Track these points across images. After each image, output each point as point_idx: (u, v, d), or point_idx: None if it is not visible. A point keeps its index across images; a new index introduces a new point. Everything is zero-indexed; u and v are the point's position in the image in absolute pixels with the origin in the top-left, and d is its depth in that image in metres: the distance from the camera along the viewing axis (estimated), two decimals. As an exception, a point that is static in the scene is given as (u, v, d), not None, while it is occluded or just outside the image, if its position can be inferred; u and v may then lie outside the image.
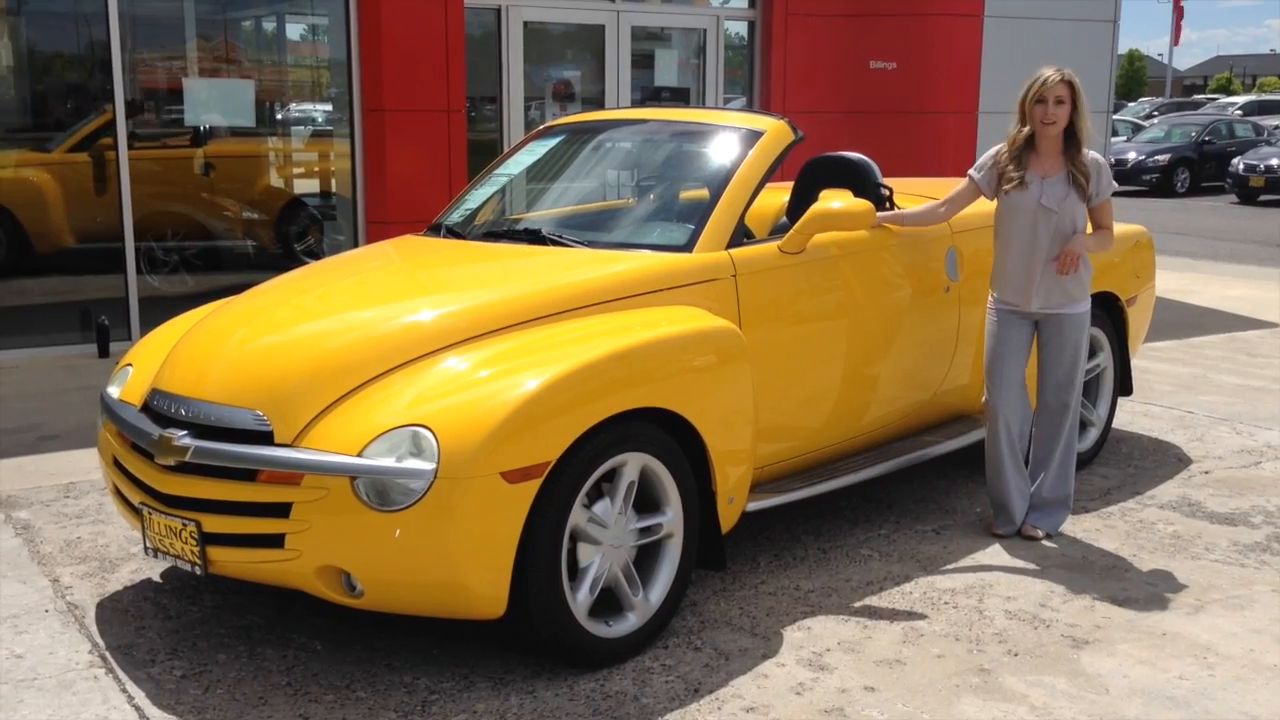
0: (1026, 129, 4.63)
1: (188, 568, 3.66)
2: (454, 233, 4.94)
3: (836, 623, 4.07)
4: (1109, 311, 5.76)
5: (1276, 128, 26.83)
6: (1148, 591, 4.34)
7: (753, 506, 4.26)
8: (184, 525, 3.60)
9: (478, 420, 3.38)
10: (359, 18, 8.60)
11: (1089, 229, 4.75)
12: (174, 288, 8.60)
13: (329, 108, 9.38)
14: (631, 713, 3.48)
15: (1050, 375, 4.81)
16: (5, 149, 8.24)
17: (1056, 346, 4.76)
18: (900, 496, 5.33)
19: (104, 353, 7.99)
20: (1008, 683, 3.67)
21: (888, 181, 5.23)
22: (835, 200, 4.51)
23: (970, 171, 4.82)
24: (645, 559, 3.89)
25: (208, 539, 3.58)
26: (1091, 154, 4.68)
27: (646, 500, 3.86)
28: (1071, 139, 4.62)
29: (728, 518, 4.10)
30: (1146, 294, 6.11)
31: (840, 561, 4.61)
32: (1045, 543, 4.79)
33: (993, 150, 4.78)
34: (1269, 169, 21.74)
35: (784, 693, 3.60)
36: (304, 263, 6.64)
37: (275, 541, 3.48)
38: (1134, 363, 6.18)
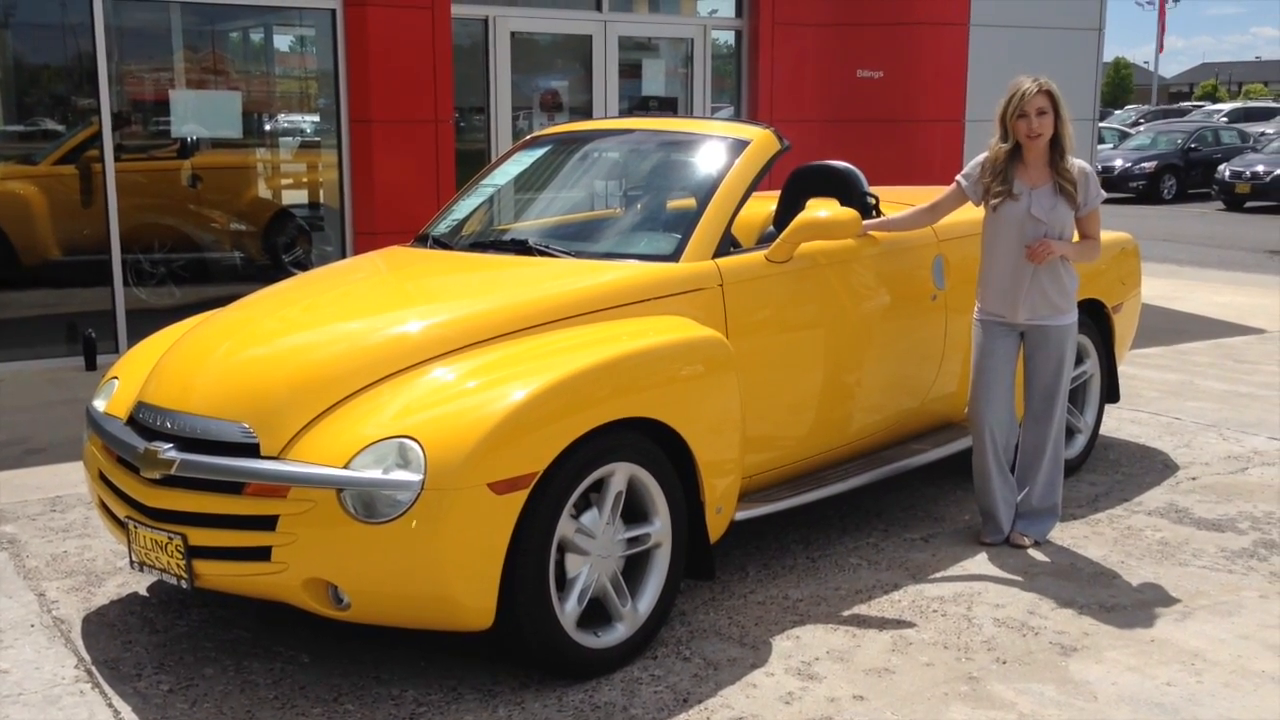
0: (1008, 145, 4.60)
1: (174, 581, 3.65)
2: (441, 243, 4.93)
3: (825, 631, 4.06)
4: (1095, 318, 5.78)
5: (1262, 134, 26.94)
6: (1135, 598, 4.35)
7: (741, 516, 4.26)
8: (170, 539, 3.59)
9: (465, 431, 3.38)
10: (346, 29, 8.60)
11: (1075, 238, 4.76)
12: (161, 300, 8.57)
13: (316, 119, 9.38)
14: (620, 724, 3.47)
15: (1035, 386, 4.80)
16: (-9, 161, 8.23)
17: (1042, 357, 4.75)
18: (888, 505, 5.33)
19: (91, 366, 7.96)
20: (996, 690, 3.67)
21: (874, 190, 5.24)
22: (822, 209, 4.52)
23: (958, 176, 4.82)
24: (633, 569, 3.88)
25: (194, 552, 3.57)
26: (1078, 162, 4.66)
27: (634, 510, 3.85)
28: (1056, 148, 4.60)
29: (716, 527, 4.10)
30: (1133, 301, 6.13)
31: (829, 570, 4.61)
32: (1033, 551, 4.79)
33: (981, 157, 4.76)
34: (1255, 175, 21.81)
35: (773, 702, 3.59)
36: (292, 274, 6.63)
37: (262, 554, 3.47)
38: (1121, 369, 6.20)
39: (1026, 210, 4.61)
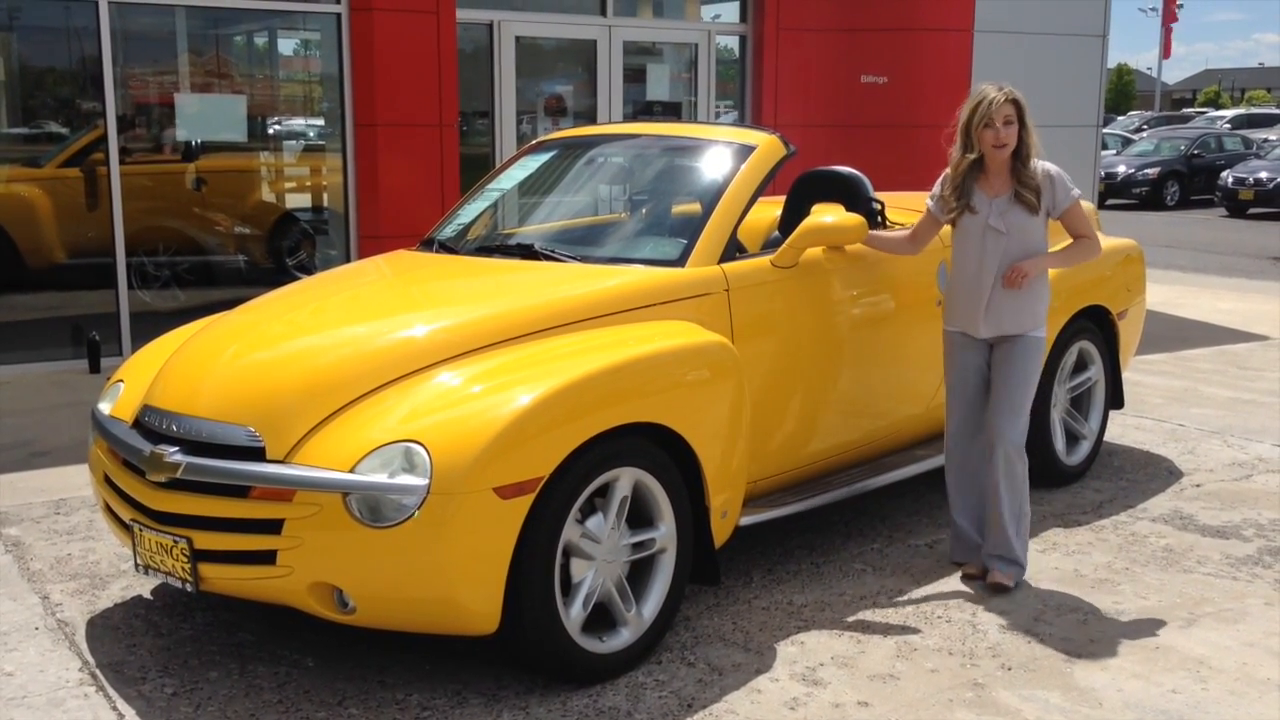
0: (971, 156, 4.40)
1: (179, 585, 3.65)
2: (446, 248, 4.94)
3: (830, 637, 4.06)
4: (1100, 325, 5.78)
5: (1265, 141, 26.93)
6: (1140, 605, 4.34)
7: (746, 521, 4.26)
8: (175, 542, 3.59)
9: (471, 436, 3.38)
10: (351, 32, 8.61)
11: (1054, 245, 4.53)
12: (165, 303, 8.58)
13: (321, 122, 9.39)
14: (625, 729, 3.47)
15: (995, 399, 4.47)
16: (-3, 164, 8.25)
17: (1005, 370, 4.45)
18: (893, 510, 5.33)
19: (95, 368, 7.97)
20: (1001, 697, 3.66)
21: (879, 195, 5.24)
22: (827, 215, 4.52)
23: (927, 198, 4.66)
24: (638, 574, 3.88)
25: (199, 556, 3.57)
26: (1042, 165, 4.41)
27: (640, 515, 3.85)
28: (1019, 156, 4.38)
29: (721, 532, 4.10)
30: (1137, 307, 6.13)
31: (833, 575, 4.60)
32: (1038, 556, 4.78)
33: (945, 173, 4.57)
34: (1258, 182, 21.79)
35: (777, 708, 3.59)
36: (296, 278, 6.65)
37: (267, 558, 3.47)
38: (1125, 376, 6.20)
39: (985, 221, 4.41)
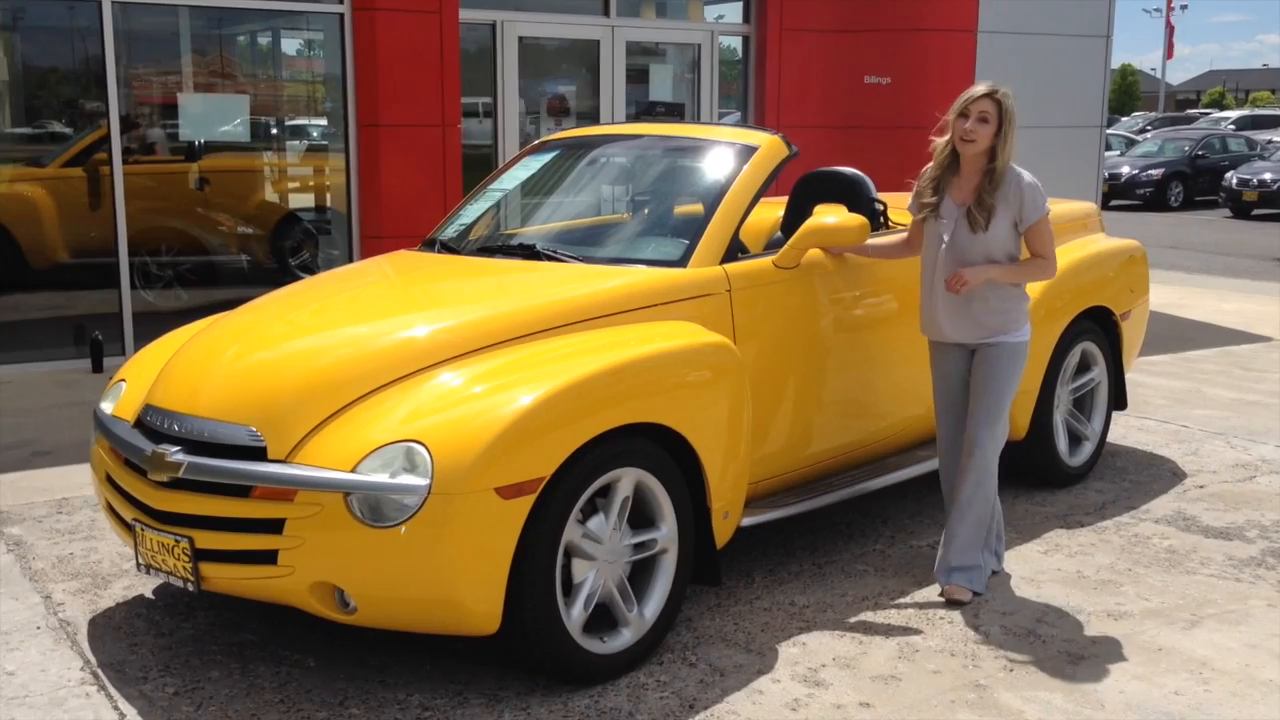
0: (946, 138, 4.33)
1: (180, 584, 3.65)
2: (448, 248, 4.93)
3: (832, 638, 4.06)
4: (1103, 326, 5.77)
5: (1269, 142, 26.90)
6: (1143, 606, 4.34)
7: (748, 522, 4.25)
8: (177, 541, 3.59)
9: (472, 436, 3.38)
10: (354, 33, 8.62)
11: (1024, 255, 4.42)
12: (168, 303, 8.58)
13: (324, 122, 9.39)
14: (626, 729, 3.47)
15: (970, 409, 4.43)
16: (0, 164, 8.24)
17: (980, 377, 4.38)
18: (895, 511, 5.32)
19: (97, 368, 7.97)
20: (1003, 698, 3.66)
21: (882, 196, 5.24)
22: (829, 215, 4.51)
23: (908, 207, 4.59)
24: (640, 574, 3.88)
25: (200, 555, 3.57)
26: (1017, 175, 4.30)
27: (641, 516, 3.85)
28: (990, 165, 4.26)
29: (723, 533, 4.09)
30: (1141, 308, 6.12)
31: (835, 576, 4.60)
32: (1040, 557, 4.78)
33: (922, 171, 4.52)
34: (1262, 183, 21.76)
35: (779, 709, 3.59)
36: (298, 278, 6.65)
37: (268, 558, 3.47)
38: (1128, 377, 6.19)
39: (939, 231, 4.36)
